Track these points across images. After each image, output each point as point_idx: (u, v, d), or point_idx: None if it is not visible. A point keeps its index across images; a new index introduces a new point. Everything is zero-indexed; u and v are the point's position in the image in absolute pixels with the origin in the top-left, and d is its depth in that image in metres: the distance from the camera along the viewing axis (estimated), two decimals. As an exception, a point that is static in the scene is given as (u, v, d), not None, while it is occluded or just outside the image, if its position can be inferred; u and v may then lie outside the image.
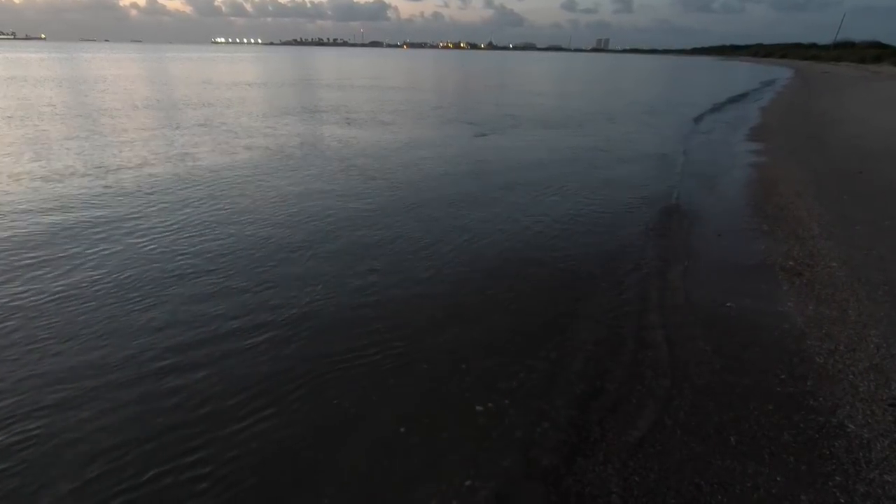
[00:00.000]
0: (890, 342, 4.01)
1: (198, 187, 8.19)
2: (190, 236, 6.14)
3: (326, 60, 73.66)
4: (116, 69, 39.37)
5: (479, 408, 3.36)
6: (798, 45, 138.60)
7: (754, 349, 4.03)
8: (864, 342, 4.04)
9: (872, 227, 6.49)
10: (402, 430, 3.18)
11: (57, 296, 4.66)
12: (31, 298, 4.61)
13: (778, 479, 2.81)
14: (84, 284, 4.88)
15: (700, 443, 3.08)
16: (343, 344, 4.03)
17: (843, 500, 2.67)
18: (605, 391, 3.57)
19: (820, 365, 3.81)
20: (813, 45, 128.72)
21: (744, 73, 57.71)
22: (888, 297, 4.71)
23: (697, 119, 18.14)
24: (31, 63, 46.13)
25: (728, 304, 4.72)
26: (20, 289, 4.77)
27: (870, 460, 2.91)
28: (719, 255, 5.98)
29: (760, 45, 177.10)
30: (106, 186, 8.06)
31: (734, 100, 25.63)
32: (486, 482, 2.81)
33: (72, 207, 7.05)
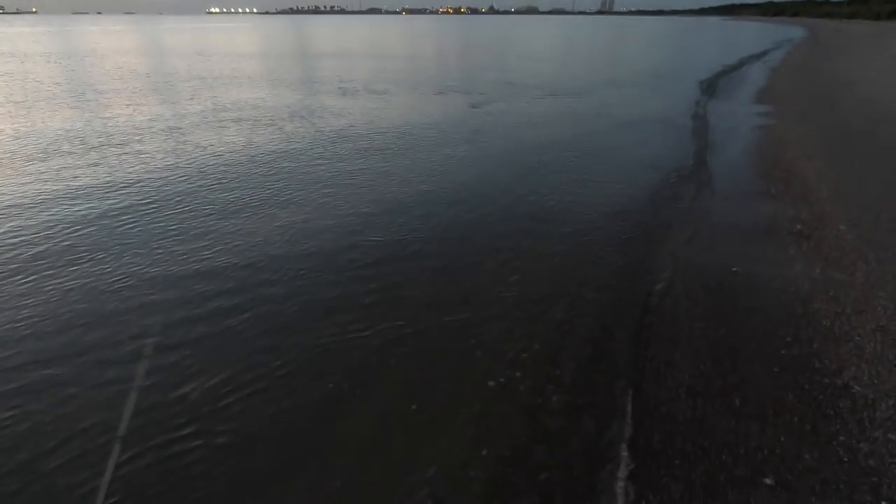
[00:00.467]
0: (898, 304, 3.98)
1: (183, 162, 8.04)
2: (173, 212, 6.04)
3: (323, 29, 71.67)
4: (108, 42, 38.44)
5: (490, 383, 3.34)
6: (810, 2, 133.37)
7: (760, 313, 4.01)
8: (871, 304, 4.01)
9: (882, 189, 6.37)
10: (413, 406, 3.20)
11: (34, 273, 4.61)
12: (5, 275, 4.59)
13: (782, 439, 2.84)
14: (65, 261, 4.84)
15: (704, 405, 3.10)
16: (335, 321, 3.95)
17: (846, 459, 2.69)
18: (610, 355, 3.58)
19: (826, 327, 3.80)
20: (826, 2, 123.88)
21: (752, 34, 55.83)
22: (897, 259, 4.65)
23: (704, 83, 17.66)
24: (22, 37, 45.12)
25: (734, 269, 4.68)
26: None
27: (874, 420, 2.93)
28: (726, 219, 5.90)
29: (771, 3, 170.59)
30: (90, 164, 7.87)
31: (742, 62, 24.87)
32: (493, 447, 2.84)
33: (53, 184, 6.92)
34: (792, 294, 4.27)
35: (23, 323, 3.89)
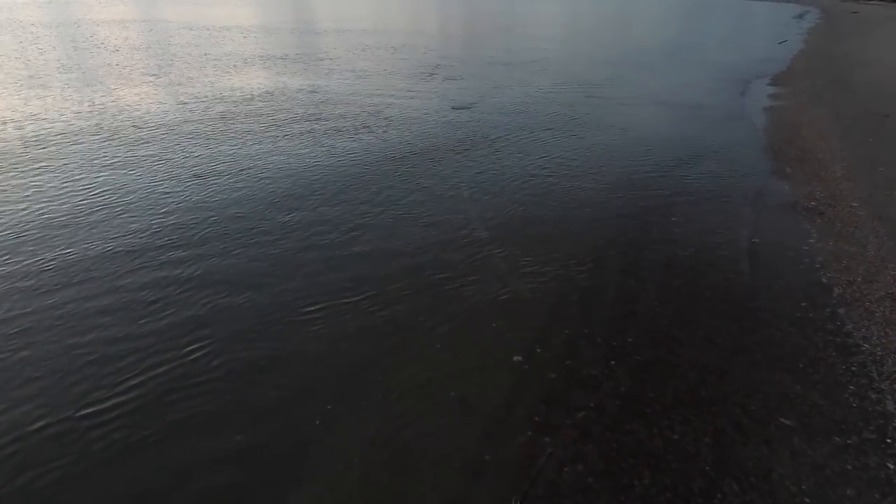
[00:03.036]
0: (906, 274, 4.24)
1: (121, 141, 7.43)
2: (109, 196, 5.64)
3: (326, 2, 69.32)
4: (100, 13, 36.92)
5: (524, 330, 3.64)
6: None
7: (778, 280, 4.27)
8: (881, 274, 4.27)
9: (895, 169, 6.56)
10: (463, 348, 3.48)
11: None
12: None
13: (797, 387, 3.13)
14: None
15: (725, 359, 3.38)
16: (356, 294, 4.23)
17: (855, 405, 2.99)
18: (636, 314, 3.85)
19: (839, 294, 4.06)
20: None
21: (766, 13, 54.72)
22: (907, 235, 4.89)
23: (718, 62, 17.56)
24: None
25: (754, 240, 4.93)
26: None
27: (882, 373, 3.21)
28: (743, 195, 6.11)
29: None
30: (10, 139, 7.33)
31: (758, 43, 24.60)
32: (533, 392, 3.13)
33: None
34: (807, 264, 4.52)
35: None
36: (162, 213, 5.27)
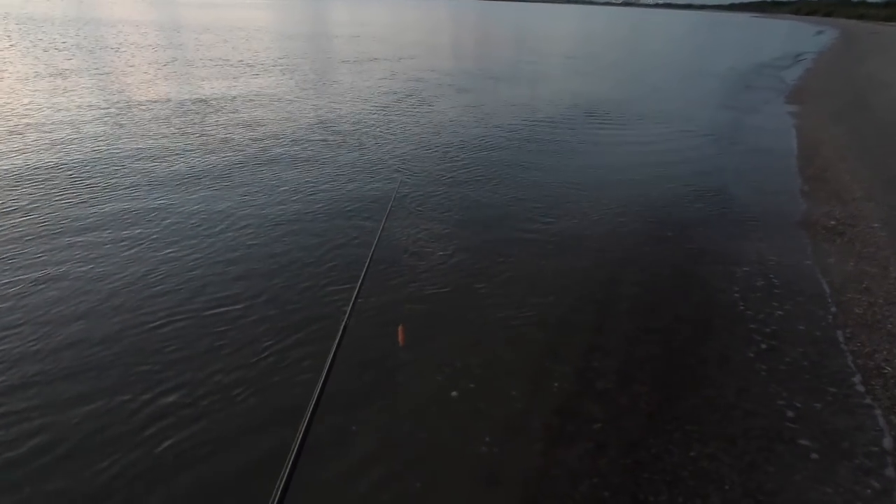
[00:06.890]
0: (930, 297, 4.16)
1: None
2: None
3: (340, 9, 70.55)
4: (116, 11, 37.74)
5: (537, 341, 3.65)
6: (845, 3, 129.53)
7: (796, 299, 4.23)
8: (903, 297, 4.20)
9: (917, 191, 6.48)
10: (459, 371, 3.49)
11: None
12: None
13: (816, 405, 3.09)
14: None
15: (743, 377, 3.35)
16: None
17: (876, 428, 2.94)
18: (652, 330, 3.83)
19: (859, 315, 4.01)
20: (861, 3, 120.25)
21: (784, 32, 54.56)
22: (930, 257, 4.81)
23: (736, 81, 17.54)
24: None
25: (771, 259, 4.88)
26: None
27: (905, 396, 3.16)
28: (761, 213, 6.07)
29: (804, 2, 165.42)
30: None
31: (775, 61, 24.52)
32: (547, 401, 3.12)
33: None
34: (826, 283, 4.47)
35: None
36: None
